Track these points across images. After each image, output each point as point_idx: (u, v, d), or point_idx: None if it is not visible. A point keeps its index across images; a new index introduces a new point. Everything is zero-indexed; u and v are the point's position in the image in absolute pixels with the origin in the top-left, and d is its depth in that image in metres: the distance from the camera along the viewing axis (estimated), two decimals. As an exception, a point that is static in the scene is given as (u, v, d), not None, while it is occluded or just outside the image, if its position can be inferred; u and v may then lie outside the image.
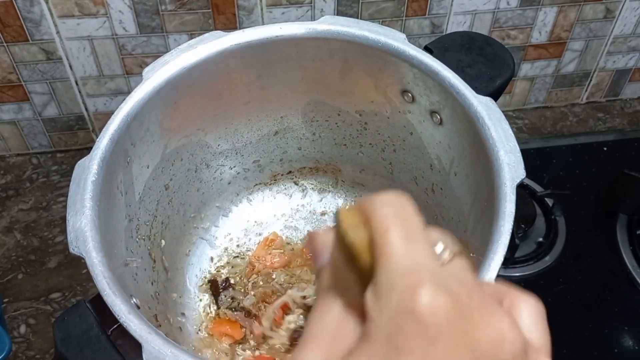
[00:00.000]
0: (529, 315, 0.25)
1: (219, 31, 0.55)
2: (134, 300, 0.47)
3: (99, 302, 0.42)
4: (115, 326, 0.42)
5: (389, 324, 0.21)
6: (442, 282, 0.22)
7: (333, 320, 0.24)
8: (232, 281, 0.65)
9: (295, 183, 0.72)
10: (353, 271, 0.24)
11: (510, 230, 0.45)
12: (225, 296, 0.63)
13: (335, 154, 0.70)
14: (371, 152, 0.67)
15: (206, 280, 0.65)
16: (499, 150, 0.48)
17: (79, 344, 0.42)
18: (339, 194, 0.72)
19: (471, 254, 0.52)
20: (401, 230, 0.23)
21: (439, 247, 0.24)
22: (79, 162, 0.48)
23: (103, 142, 0.49)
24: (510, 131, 0.49)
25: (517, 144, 0.49)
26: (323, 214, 0.71)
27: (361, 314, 0.23)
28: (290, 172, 0.72)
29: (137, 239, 0.55)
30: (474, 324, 0.21)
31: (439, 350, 0.20)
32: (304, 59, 0.58)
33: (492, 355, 0.21)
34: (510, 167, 0.48)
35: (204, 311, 0.63)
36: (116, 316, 0.41)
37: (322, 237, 0.26)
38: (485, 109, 0.51)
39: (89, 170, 0.48)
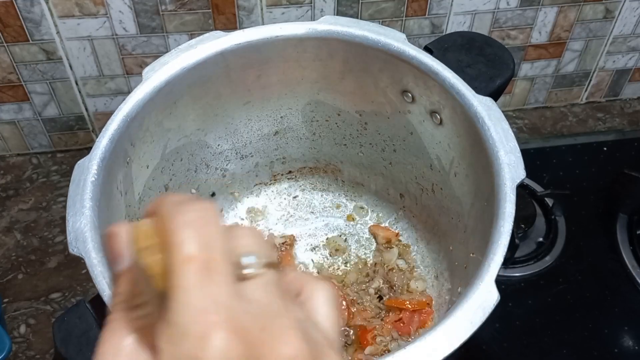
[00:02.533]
0: (324, 303, 0.26)
1: (218, 31, 0.55)
2: None
3: (99, 302, 0.42)
4: (115, 326, 0.42)
5: None
6: (236, 321, 0.21)
7: (127, 351, 0.23)
8: None
9: (296, 182, 0.72)
10: (150, 287, 0.23)
11: (510, 231, 0.44)
12: None
13: (335, 153, 0.70)
14: (371, 151, 0.67)
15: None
16: (498, 151, 0.48)
17: (79, 344, 0.42)
18: (340, 194, 0.72)
19: (471, 254, 0.52)
20: (198, 263, 0.22)
21: (246, 261, 0.24)
22: (78, 162, 0.48)
23: (103, 143, 0.49)
24: (511, 131, 0.49)
25: (517, 144, 0.49)
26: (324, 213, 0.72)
27: (155, 345, 0.22)
28: (290, 172, 0.72)
29: (136, 240, 0.55)
30: (264, 358, 0.21)
31: None
32: (304, 59, 0.58)
33: None
34: (510, 168, 0.47)
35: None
36: None
37: (123, 238, 0.24)
38: (485, 109, 0.50)
39: (88, 170, 0.48)
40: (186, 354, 0.20)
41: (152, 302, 0.23)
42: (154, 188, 0.58)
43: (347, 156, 0.70)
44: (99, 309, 0.43)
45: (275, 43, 0.55)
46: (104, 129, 0.50)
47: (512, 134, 0.49)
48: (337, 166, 0.71)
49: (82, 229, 0.45)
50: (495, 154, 0.48)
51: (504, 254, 0.44)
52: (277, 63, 0.58)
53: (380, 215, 0.71)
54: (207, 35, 0.55)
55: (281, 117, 0.65)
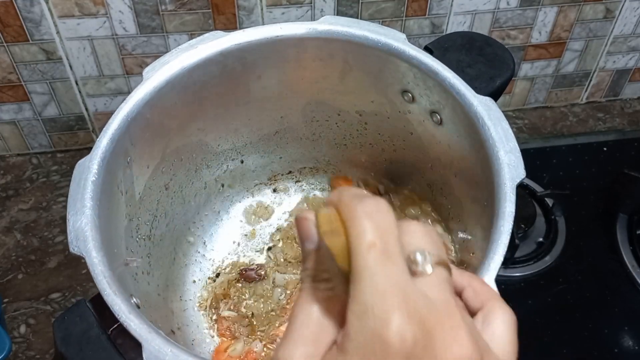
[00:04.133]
0: (500, 327, 0.28)
1: (219, 31, 0.55)
2: (134, 299, 0.47)
3: (99, 302, 0.42)
4: (116, 326, 0.42)
5: (364, 344, 0.23)
6: (413, 307, 0.23)
7: (315, 315, 0.26)
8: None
9: (296, 183, 0.72)
10: (333, 265, 0.26)
11: (510, 231, 0.44)
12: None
13: (335, 154, 0.70)
14: (371, 152, 0.67)
15: (206, 279, 0.65)
16: (499, 150, 0.48)
17: (79, 343, 0.42)
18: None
19: (471, 254, 0.52)
20: (378, 250, 0.24)
21: (419, 257, 0.26)
22: (79, 162, 0.48)
23: (103, 142, 0.49)
24: (510, 131, 0.49)
25: (517, 144, 0.49)
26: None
27: (340, 310, 0.25)
28: (290, 172, 0.72)
29: (137, 239, 0.55)
30: (436, 350, 0.23)
31: None
32: (304, 59, 0.58)
33: None
34: (510, 167, 0.48)
35: (203, 310, 0.63)
36: (116, 316, 0.41)
37: (312, 222, 0.27)
38: (485, 108, 0.50)
39: (89, 170, 0.48)
40: (371, 329, 0.23)
41: (335, 277, 0.26)
42: (155, 188, 0.58)
43: (347, 156, 0.70)
44: (99, 309, 0.43)
45: (276, 43, 0.55)
46: (104, 129, 0.50)
47: (512, 134, 0.49)
48: (337, 166, 0.71)
49: (82, 228, 0.45)
50: (495, 154, 0.48)
51: (504, 253, 0.44)
52: (277, 63, 0.58)
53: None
54: (207, 35, 0.55)
55: (281, 117, 0.65)
